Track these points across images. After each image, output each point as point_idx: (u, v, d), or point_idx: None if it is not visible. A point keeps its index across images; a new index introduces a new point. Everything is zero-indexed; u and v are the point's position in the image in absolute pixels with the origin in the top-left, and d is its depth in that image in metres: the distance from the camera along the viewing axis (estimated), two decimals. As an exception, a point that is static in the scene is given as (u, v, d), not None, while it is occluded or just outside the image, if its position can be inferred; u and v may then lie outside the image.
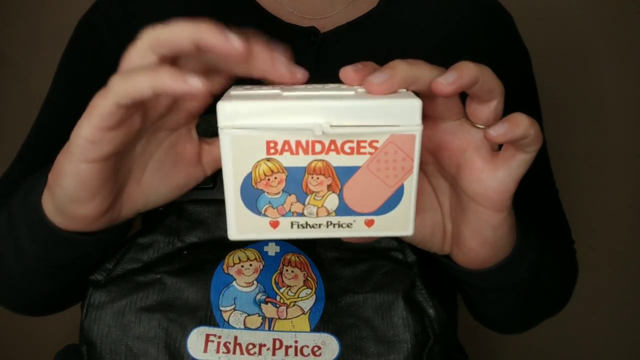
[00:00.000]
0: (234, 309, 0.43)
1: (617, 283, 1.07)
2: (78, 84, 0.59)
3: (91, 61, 0.59)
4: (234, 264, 0.45)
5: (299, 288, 0.44)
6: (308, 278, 0.45)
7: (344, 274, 0.46)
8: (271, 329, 0.43)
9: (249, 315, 0.43)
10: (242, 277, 0.44)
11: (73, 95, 0.59)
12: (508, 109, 0.61)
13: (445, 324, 0.45)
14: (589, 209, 1.03)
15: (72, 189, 0.35)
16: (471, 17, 0.61)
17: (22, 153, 0.60)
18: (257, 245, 0.46)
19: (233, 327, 0.42)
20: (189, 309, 0.43)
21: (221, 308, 0.43)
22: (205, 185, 0.47)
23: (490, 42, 0.61)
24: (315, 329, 0.43)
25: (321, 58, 0.57)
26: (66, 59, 0.61)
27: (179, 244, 0.46)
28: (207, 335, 0.42)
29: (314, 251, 0.47)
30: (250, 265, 0.45)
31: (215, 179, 0.46)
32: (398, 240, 0.46)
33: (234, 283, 0.44)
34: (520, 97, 0.62)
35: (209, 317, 0.42)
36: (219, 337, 0.42)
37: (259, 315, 0.43)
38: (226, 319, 0.43)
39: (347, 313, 0.44)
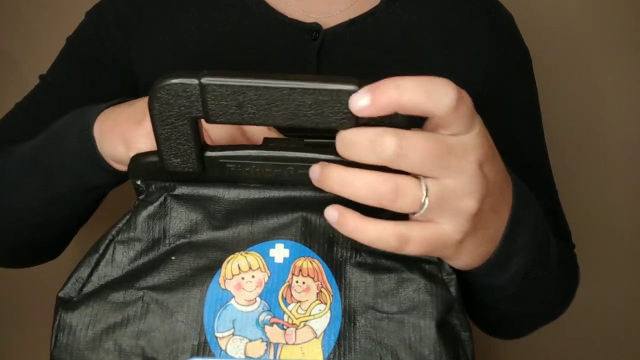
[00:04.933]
0: (233, 334, 0.36)
1: (617, 284, 1.05)
2: (79, 67, 0.63)
3: (97, 49, 0.62)
4: (233, 276, 0.37)
5: (311, 303, 0.37)
6: (322, 290, 0.37)
7: (365, 284, 0.37)
8: (277, 357, 0.35)
9: (250, 341, 0.36)
10: (243, 292, 0.37)
11: (73, 78, 0.63)
12: (509, 108, 0.63)
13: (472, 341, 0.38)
14: (587, 210, 1.01)
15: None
16: (472, 16, 0.62)
17: (13, 115, 0.64)
18: (262, 247, 0.38)
19: (231, 357, 0.35)
20: (178, 337, 0.36)
21: (217, 334, 0.36)
22: (193, 169, 0.37)
23: (491, 42, 0.61)
24: (329, 357, 0.35)
25: (323, 53, 0.58)
26: (72, 43, 0.64)
27: (166, 243, 0.39)
28: (201, 369, 0.35)
29: (330, 253, 0.38)
30: (253, 277, 0.37)
31: (204, 161, 0.37)
32: None
33: (233, 301, 0.37)
34: (520, 97, 0.64)
35: (203, 346, 0.36)
36: (215, 369, 0.35)
37: (263, 341, 0.36)
38: (223, 347, 0.36)
39: (367, 336, 0.36)
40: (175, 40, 0.60)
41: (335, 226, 0.33)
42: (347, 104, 0.31)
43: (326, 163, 0.33)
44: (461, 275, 0.43)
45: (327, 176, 0.32)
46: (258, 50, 0.59)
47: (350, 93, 0.31)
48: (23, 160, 0.51)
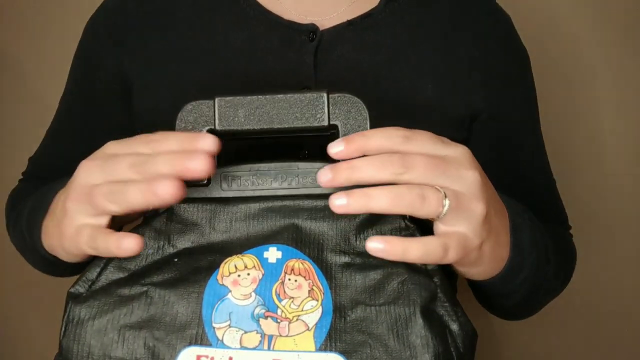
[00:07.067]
0: (229, 326, 0.38)
1: (617, 284, 1.05)
2: (81, 84, 0.65)
3: (93, 63, 0.63)
4: (230, 274, 0.40)
5: (303, 299, 0.39)
6: (313, 288, 0.40)
7: (355, 282, 0.40)
8: (271, 348, 0.38)
9: (245, 332, 0.38)
10: (239, 288, 0.39)
11: (79, 95, 0.65)
12: (510, 109, 0.64)
13: (470, 337, 0.40)
14: (586, 207, 1.01)
15: (74, 257, 0.45)
16: (471, 19, 0.62)
17: (45, 145, 0.68)
18: (257, 250, 0.41)
19: (228, 347, 0.37)
20: (178, 327, 0.38)
21: (214, 325, 0.38)
22: (199, 182, 0.42)
23: (490, 44, 0.62)
24: (321, 348, 0.38)
25: (320, 54, 0.58)
26: (73, 60, 0.66)
27: (170, 249, 0.42)
28: (198, 357, 0.37)
29: (320, 256, 0.41)
30: (248, 274, 0.40)
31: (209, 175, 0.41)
32: None
33: (229, 295, 0.39)
34: (520, 97, 0.64)
35: (201, 336, 0.38)
36: (212, 358, 0.37)
37: (258, 332, 0.38)
38: (220, 337, 0.38)
39: (357, 329, 0.38)
40: (168, 45, 0.60)
41: (381, 254, 0.38)
42: (320, 107, 0.41)
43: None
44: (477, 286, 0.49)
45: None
46: (253, 52, 0.59)
47: (320, 97, 0.41)
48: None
